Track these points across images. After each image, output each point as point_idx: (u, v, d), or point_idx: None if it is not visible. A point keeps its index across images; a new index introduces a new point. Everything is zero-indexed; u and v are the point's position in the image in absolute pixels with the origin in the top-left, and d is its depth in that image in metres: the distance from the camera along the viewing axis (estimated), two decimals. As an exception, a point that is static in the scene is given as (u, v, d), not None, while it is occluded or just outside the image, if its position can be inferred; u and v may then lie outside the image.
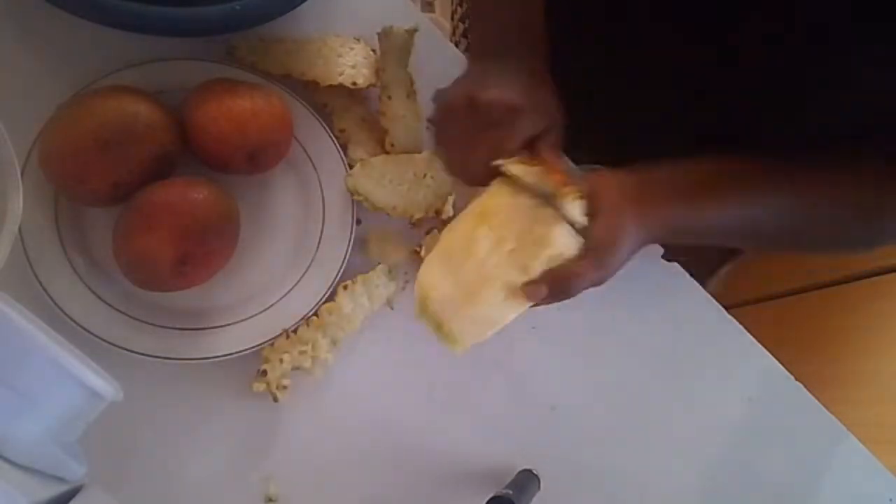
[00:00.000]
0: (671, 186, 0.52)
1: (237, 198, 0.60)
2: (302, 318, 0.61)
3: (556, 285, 0.48)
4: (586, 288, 0.50)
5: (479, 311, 0.49)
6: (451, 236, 0.50)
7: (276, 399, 0.59)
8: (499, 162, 0.50)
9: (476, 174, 0.52)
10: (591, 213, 0.49)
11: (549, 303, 0.49)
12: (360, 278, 0.64)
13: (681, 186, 0.52)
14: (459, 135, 0.53)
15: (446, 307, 0.49)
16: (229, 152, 0.59)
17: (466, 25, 0.95)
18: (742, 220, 0.54)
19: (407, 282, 0.67)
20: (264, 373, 0.60)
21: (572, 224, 0.48)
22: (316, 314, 0.62)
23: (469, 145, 0.52)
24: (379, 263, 0.66)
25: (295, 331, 0.61)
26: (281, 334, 0.61)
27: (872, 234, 0.57)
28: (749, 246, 0.58)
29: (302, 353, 0.60)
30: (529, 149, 0.52)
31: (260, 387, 0.59)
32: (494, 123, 0.50)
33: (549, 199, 0.48)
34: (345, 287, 0.64)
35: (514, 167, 0.49)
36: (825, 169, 0.54)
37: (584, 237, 0.49)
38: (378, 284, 0.65)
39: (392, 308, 0.66)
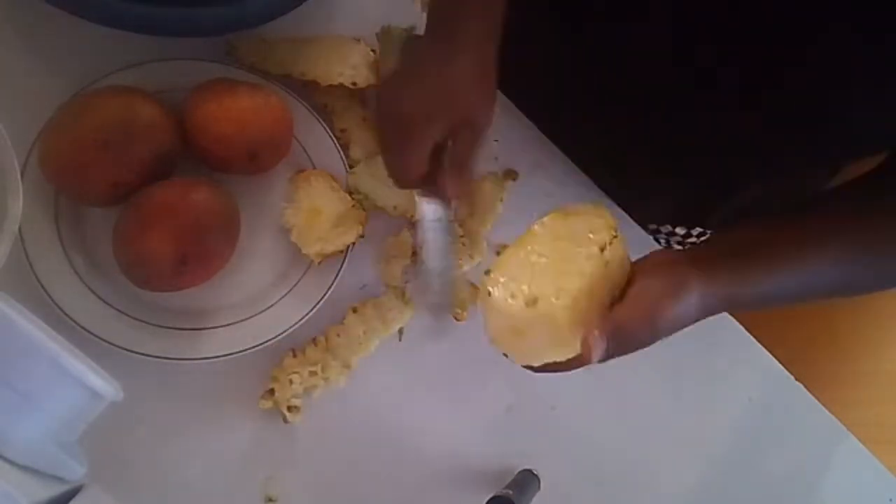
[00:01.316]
0: (734, 250, 0.50)
1: (237, 198, 0.60)
2: (301, 319, 0.61)
3: (607, 331, 0.44)
4: (629, 350, 0.46)
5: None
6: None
7: (286, 420, 0.60)
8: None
9: (399, 184, 0.56)
10: (637, 270, 0.47)
11: (577, 361, 0.46)
12: (370, 302, 0.64)
13: (743, 250, 0.50)
14: (384, 142, 0.57)
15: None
16: (229, 152, 0.59)
17: None
18: (808, 277, 0.51)
19: (407, 281, 0.67)
20: (272, 391, 0.60)
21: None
22: (324, 336, 0.62)
23: (389, 155, 0.56)
24: (392, 287, 0.66)
25: (303, 350, 0.61)
26: (287, 353, 0.61)
27: None
28: (812, 301, 0.57)
29: (312, 373, 0.60)
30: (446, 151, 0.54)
31: (266, 405, 0.60)
32: (389, 139, 0.54)
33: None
34: (354, 310, 0.64)
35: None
36: (865, 210, 0.53)
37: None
38: (391, 308, 0.64)
39: (400, 340, 0.66)
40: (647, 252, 0.50)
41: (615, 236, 0.46)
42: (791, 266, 0.50)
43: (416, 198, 0.61)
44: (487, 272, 0.47)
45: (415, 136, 0.53)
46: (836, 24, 0.50)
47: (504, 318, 0.45)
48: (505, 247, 0.66)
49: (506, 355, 0.49)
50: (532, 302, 0.44)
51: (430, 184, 0.57)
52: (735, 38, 0.56)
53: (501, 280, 0.45)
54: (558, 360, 0.47)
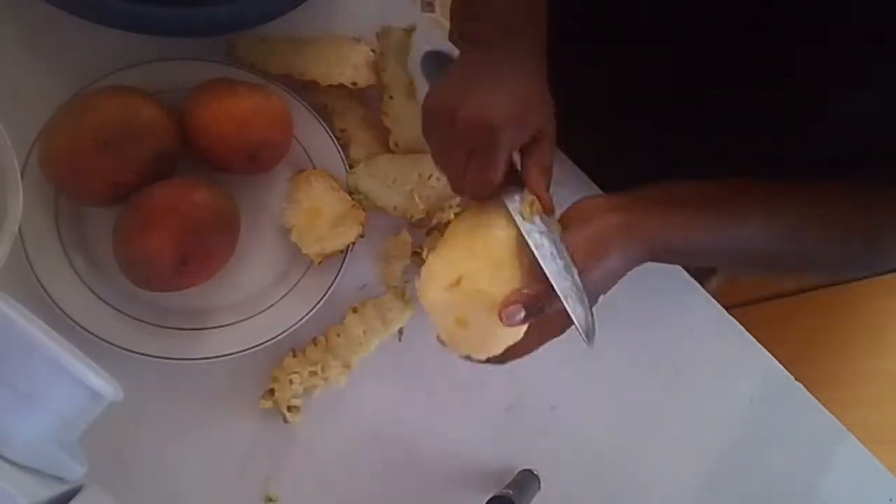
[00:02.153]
0: (663, 203, 0.50)
1: (237, 198, 0.60)
2: (301, 320, 0.61)
3: (531, 305, 0.44)
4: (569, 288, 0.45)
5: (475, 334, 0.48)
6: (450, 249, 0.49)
7: (286, 420, 0.60)
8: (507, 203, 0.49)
9: (474, 192, 0.52)
10: (565, 225, 0.48)
11: (535, 335, 0.47)
12: (370, 302, 0.64)
13: (673, 204, 0.50)
14: (446, 146, 0.53)
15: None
16: (229, 152, 0.59)
17: None
18: (736, 241, 0.52)
19: (407, 281, 0.67)
20: (272, 391, 0.60)
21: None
22: (324, 336, 0.62)
23: (457, 163, 0.52)
24: (392, 287, 0.66)
25: (303, 350, 0.61)
26: (287, 353, 0.61)
27: (871, 257, 0.56)
28: (742, 269, 0.57)
29: (312, 373, 0.60)
30: (523, 161, 0.52)
31: (266, 405, 0.60)
32: (476, 147, 0.50)
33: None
34: (354, 310, 0.64)
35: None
36: (823, 191, 0.53)
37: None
38: (392, 308, 0.64)
39: (400, 340, 0.66)
40: None
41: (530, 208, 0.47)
42: (734, 218, 0.51)
43: (518, 219, 0.52)
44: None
45: (502, 142, 0.49)
46: (837, 24, 0.50)
47: (442, 313, 0.46)
48: None
49: (468, 358, 0.49)
50: (456, 282, 0.45)
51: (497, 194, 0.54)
52: (734, 40, 0.56)
53: (429, 277, 0.46)
54: (514, 339, 0.47)
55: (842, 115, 0.55)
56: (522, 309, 0.44)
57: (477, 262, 0.46)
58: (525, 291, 0.45)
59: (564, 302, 0.45)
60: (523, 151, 0.52)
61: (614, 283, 0.49)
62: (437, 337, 0.50)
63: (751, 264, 0.56)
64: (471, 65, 0.55)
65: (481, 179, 0.50)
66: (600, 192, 0.74)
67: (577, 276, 0.45)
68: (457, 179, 0.53)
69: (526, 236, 0.46)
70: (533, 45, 0.55)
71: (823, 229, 0.53)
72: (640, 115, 0.69)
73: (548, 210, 0.49)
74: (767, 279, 1.33)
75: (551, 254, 0.46)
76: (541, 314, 0.45)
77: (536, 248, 0.46)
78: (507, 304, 0.44)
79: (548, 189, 0.52)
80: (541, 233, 0.47)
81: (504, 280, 0.45)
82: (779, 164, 0.66)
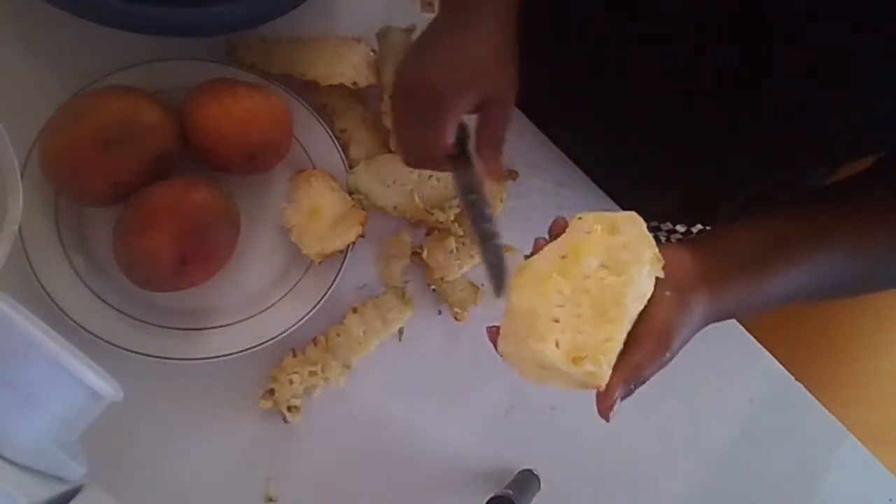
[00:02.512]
0: (738, 265, 0.49)
1: (237, 198, 0.60)
2: (301, 320, 0.61)
3: (628, 381, 0.45)
4: (653, 374, 0.46)
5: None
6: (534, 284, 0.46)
7: (286, 420, 0.60)
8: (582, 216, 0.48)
9: (419, 158, 0.53)
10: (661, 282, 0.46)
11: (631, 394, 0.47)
12: (370, 302, 0.64)
13: (747, 264, 0.50)
14: (402, 112, 0.53)
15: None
16: (229, 152, 0.59)
17: None
18: (806, 287, 0.52)
19: (407, 281, 0.67)
20: (272, 391, 0.60)
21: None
22: (324, 336, 0.62)
23: (408, 128, 0.53)
24: (392, 287, 0.66)
25: (303, 350, 0.61)
26: (287, 353, 0.61)
27: None
28: (806, 303, 0.57)
29: (312, 373, 0.60)
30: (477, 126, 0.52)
31: (266, 405, 0.60)
32: (421, 110, 0.50)
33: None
34: (354, 310, 0.64)
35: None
36: (868, 213, 0.53)
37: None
38: (391, 308, 0.64)
39: (401, 340, 0.66)
40: None
41: (656, 259, 0.46)
42: (798, 274, 0.51)
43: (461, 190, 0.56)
44: (521, 272, 0.46)
45: (447, 106, 0.50)
46: (835, 24, 0.50)
47: (532, 355, 0.45)
48: (505, 248, 0.65)
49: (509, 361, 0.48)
50: (578, 360, 0.44)
51: (445, 164, 0.55)
52: (735, 40, 0.56)
53: (543, 314, 0.44)
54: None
55: (839, 114, 0.55)
56: (620, 399, 0.44)
57: (603, 338, 0.44)
58: (621, 375, 0.44)
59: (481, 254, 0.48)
60: (480, 120, 0.52)
61: (684, 345, 0.48)
62: (500, 346, 0.48)
63: (813, 301, 0.57)
64: (435, 27, 0.55)
65: (426, 144, 0.51)
66: (599, 191, 0.74)
67: (499, 241, 0.49)
68: (407, 148, 0.54)
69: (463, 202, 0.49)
70: (499, 8, 0.54)
71: (876, 251, 0.53)
72: (639, 116, 0.69)
73: (497, 177, 0.52)
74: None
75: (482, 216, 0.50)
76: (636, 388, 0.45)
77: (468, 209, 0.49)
78: (608, 400, 0.44)
79: (499, 156, 0.54)
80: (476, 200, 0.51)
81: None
82: (778, 163, 0.67)
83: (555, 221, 0.49)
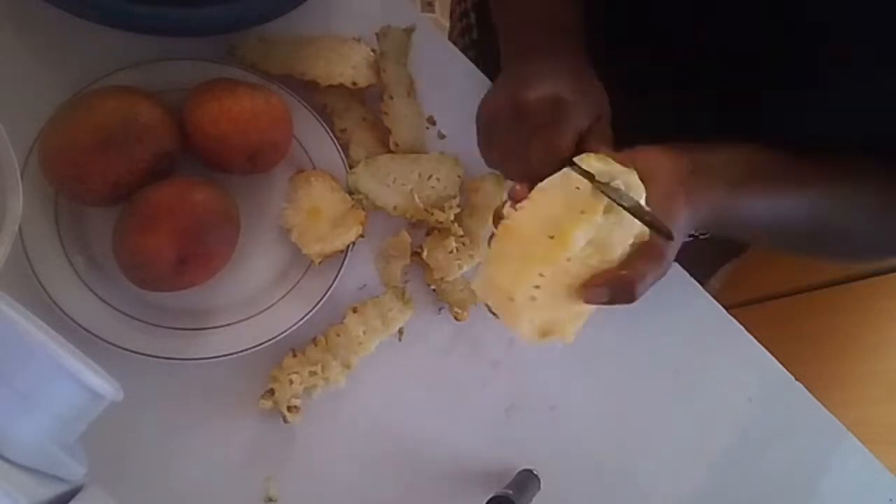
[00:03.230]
0: (723, 173, 0.50)
1: (237, 198, 0.60)
2: (301, 320, 0.61)
3: (617, 289, 0.45)
4: (651, 285, 0.46)
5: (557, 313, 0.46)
6: (513, 235, 0.46)
7: (286, 420, 0.60)
8: (576, 159, 0.47)
9: (536, 173, 0.50)
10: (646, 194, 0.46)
11: (612, 303, 0.46)
12: (370, 302, 0.64)
13: (733, 174, 0.50)
14: (508, 138, 0.52)
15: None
16: (229, 152, 0.59)
17: (465, 23, 0.95)
18: (783, 214, 0.53)
19: (407, 281, 0.67)
20: (272, 391, 0.60)
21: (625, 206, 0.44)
22: (324, 336, 0.62)
23: (521, 147, 0.50)
24: (392, 287, 0.66)
25: (303, 350, 0.61)
26: (287, 353, 0.61)
27: (884, 240, 0.57)
28: (777, 245, 0.57)
29: (312, 374, 0.60)
30: (581, 144, 0.50)
31: (266, 405, 0.60)
32: (544, 122, 0.49)
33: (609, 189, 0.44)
34: (354, 310, 0.64)
35: (585, 160, 0.46)
36: (851, 168, 0.54)
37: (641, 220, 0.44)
38: (391, 308, 0.64)
39: (400, 340, 0.66)
40: None
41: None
42: (781, 196, 0.51)
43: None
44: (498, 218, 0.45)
45: (574, 115, 0.49)
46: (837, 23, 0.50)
47: (519, 328, 0.45)
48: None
49: (489, 308, 0.47)
50: (547, 334, 0.45)
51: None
52: (730, 41, 0.56)
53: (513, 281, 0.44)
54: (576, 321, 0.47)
55: (843, 108, 0.55)
56: (608, 291, 0.44)
57: (572, 312, 0.45)
58: (621, 273, 0.44)
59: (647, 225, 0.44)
60: (583, 135, 0.51)
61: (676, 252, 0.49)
62: (489, 309, 0.47)
63: (786, 240, 0.58)
64: (519, 66, 0.55)
65: (550, 150, 0.49)
66: None
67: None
68: (520, 162, 0.51)
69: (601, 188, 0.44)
70: (577, 50, 0.55)
71: (853, 206, 0.54)
72: (641, 115, 0.69)
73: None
74: (773, 273, 1.33)
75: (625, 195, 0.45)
76: (621, 302, 0.45)
77: (613, 192, 0.44)
78: (593, 283, 0.44)
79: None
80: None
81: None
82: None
83: (514, 190, 0.48)
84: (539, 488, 0.63)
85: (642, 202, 0.45)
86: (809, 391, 0.74)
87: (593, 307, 0.45)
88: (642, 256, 0.45)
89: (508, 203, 0.47)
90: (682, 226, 0.47)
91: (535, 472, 0.64)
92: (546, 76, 0.51)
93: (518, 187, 0.47)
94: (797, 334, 1.22)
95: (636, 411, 0.70)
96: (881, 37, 0.49)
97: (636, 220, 0.44)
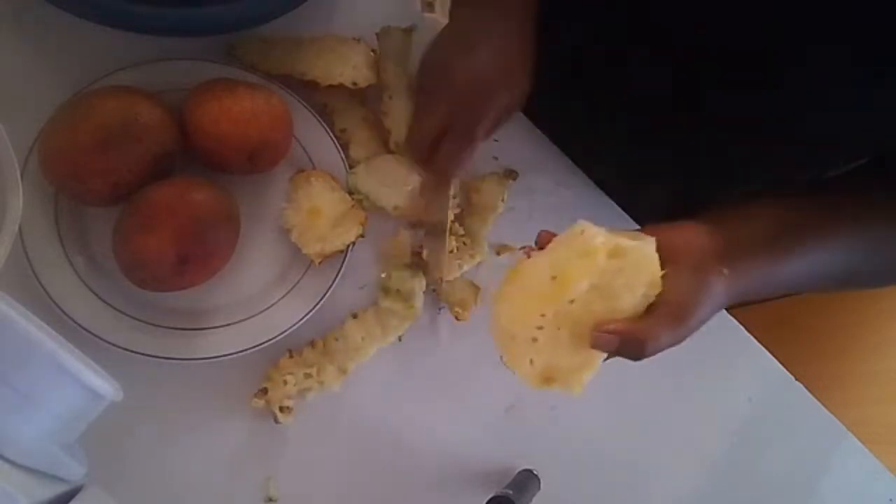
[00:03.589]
0: (759, 245, 0.50)
1: (237, 198, 0.60)
2: (301, 320, 0.61)
3: (628, 341, 0.44)
4: (662, 349, 0.46)
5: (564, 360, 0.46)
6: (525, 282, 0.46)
7: (276, 420, 0.59)
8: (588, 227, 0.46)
9: (422, 149, 0.53)
10: (666, 266, 0.45)
11: (619, 354, 0.46)
12: (371, 309, 0.64)
13: (768, 244, 0.50)
14: (436, 101, 0.53)
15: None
16: (229, 152, 0.59)
17: None
18: (819, 272, 0.52)
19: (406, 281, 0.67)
20: (265, 391, 0.60)
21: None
22: (322, 340, 0.62)
23: (438, 113, 0.52)
24: (395, 291, 0.65)
25: (300, 352, 0.61)
26: (284, 354, 0.61)
27: None
28: (822, 290, 0.58)
29: (307, 376, 0.60)
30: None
31: (258, 403, 0.60)
32: (465, 102, 0.50)
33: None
34: (354, 316, 0.64)
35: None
36: (873, 203, 0.53)
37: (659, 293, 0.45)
38: (392, 316, 0.64)
39: (400, 340, 0.66)
40: None
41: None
42: (812, 258, 0.51)
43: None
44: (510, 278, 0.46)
45: (493, 103, 0.50)
46: (826, 26, 0.50)
47: (518, 368, 0.45)
48: (505, 248, 0.65)
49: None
50: (549, 381, 0.45)
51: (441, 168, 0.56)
52: (730, 41, 0.56)
53: (521, 326, 0.44)
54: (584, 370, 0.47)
55: (841, 113, 0.55)
56: (617, 340, 0.44)
57: (580, 361, 0.45)
58: (635, 325, 0.44)
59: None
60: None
61: (701, 326, 0.48)
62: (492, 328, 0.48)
63: (823, 288, 0.58)
64: (462, 21, 0.55)
65: (464, 132, 0.51)
66: (599, 189, 0.74)
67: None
68: (424, 142, 0.54)
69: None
70: (524, 7, 0.55)
71: (883, 240, 0.54)
72: (641, 114, 0.69)
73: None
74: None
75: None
76: (628, 356, 0.45)
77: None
78: (605, 328, 0.44)
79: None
80: None
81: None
82: (778, 163, 0.67)
83: (540, 234, 0.48)
84: (539, 488, 0.63)
85: (657, 273, 0.45)
86: (809, 391, 0.74)
87: (599, 360, 0.45)
88: (661, 316, 0.45)
89: (522, 251, 0.48)
90: (716, 296, 0.46)
91: (535, 472, 0.64)
92: (482, 42, 0.52)
93: (543, 233, 0.48)
94: (797, 334, 1.22)
95: (636, 411, 0.70)
96: (875, 38, 0.49)
97: (642, 267, 0.44)
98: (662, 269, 0.45)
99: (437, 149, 0.58)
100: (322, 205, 0.63)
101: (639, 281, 0.44)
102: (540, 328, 0.44)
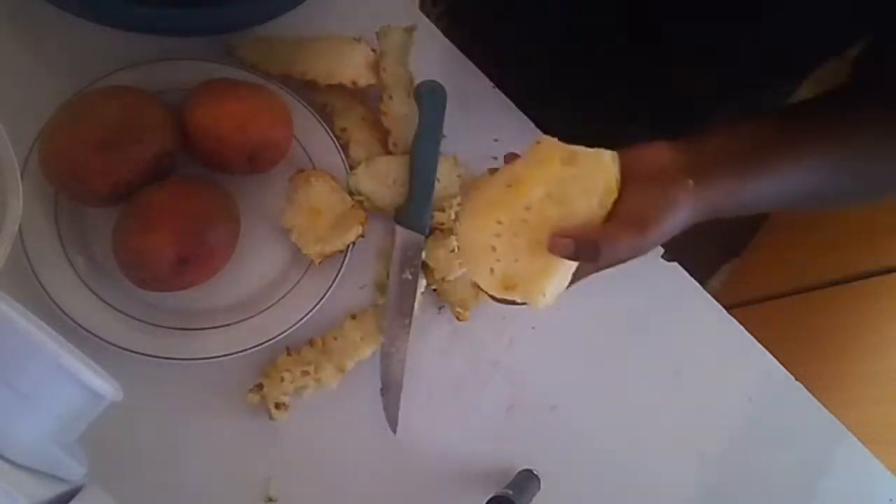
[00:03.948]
0: (727, 158, 0.49)
1: (237, 198, 0.60)
2: (301, 320, 0.61)
3: (583, 244, 0.44)
4: (622, 257, 0.45)
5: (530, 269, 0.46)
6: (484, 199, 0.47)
7: (271, 417, 0.59)
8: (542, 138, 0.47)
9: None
10: (629, 176, 0.45)
11: (576, 258, 0.45)
12: (370, 310, 0.64)
13: (736, 158, 0.49)
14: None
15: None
16: (229, 152, 0.59)
17: None
18: (793, 185, 0.52)
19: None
20: (260, 386, 0.60)
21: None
22: (321, 339, 0.62)
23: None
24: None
25: (298, 350, 0.61)
26: (282, 352, 0.61)
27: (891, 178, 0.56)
28: (788, 208, 0.57)
29: (304, 373, 0.60)
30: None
31: (254, 399, 0.59)
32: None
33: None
34: (353, 317, 0.63)
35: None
36: (849, 118, 0.53)
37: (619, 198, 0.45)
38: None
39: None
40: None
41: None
42: (781, 174, 0.51)
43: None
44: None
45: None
46: None
47: (479, 278, 0.46)
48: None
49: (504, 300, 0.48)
50: (510, 288, 0.45)
51: None
52: None
53: (482, 235, 0.45)
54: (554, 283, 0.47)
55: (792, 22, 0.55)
56: (573, 245, 0.43)
57: (538, 268, 0.45)
58: (590, 228, 0.44)
59: None
60: None
61: (666, 239, 0.47)
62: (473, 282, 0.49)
63: (798, 204, 0.57)
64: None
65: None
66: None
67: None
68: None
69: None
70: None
71: (860, 157, 0.53)
72: (594, 46, 0.69)
73: None
74: (773, 273, 1.32)
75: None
76: (585, 259, 0.44)
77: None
78: (561, 233, 0.44)
79: None
80: None
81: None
82: (745, 75, 0.66)
83: (506, 154, 0.48)
84: (539, 488, 0.63)
85: (612, 180, 0.45)
86: (809, 391, 0.74)
87: (559, 267, 0.45)
88: (620, 222, 0.45)
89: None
90: (679, 207, 0.46)
91: (535, 472, 0.64)
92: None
93: (509, 153, 0.48)
94: (797, 334, 1.22)
95: (636, 411, 0.70)
96: None
97: (598, 174, 0.45)
98: (628, 185, 0.45)
99: None
100: (322, 205, 0.63)
101: (594, 188, 0.45)
102: (498, 236, 0.46)
